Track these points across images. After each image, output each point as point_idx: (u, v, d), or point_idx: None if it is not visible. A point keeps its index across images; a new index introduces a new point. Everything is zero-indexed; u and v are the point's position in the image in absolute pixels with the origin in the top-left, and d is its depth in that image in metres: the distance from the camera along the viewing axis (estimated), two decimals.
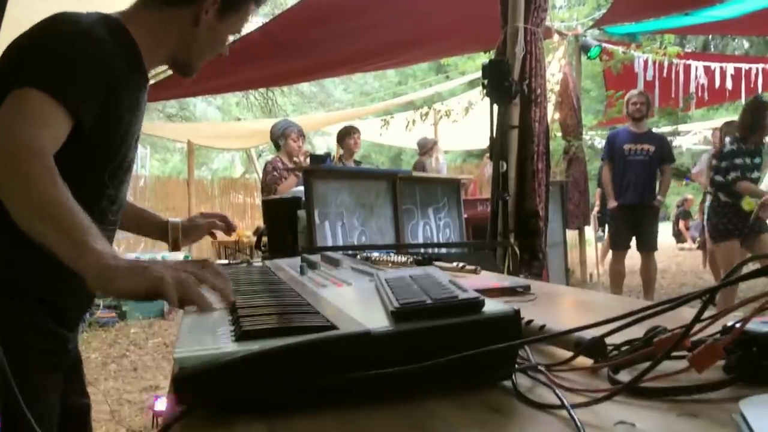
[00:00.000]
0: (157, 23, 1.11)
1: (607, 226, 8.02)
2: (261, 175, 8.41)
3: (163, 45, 1.14)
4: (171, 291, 0.74)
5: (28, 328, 1.00)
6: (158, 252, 6.95)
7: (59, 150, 0.91)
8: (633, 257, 5.61)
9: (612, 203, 5.30)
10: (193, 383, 0.51)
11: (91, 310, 1.33)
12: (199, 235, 1.45)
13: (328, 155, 4.81)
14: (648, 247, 5.24)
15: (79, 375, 1.26)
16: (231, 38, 1.21)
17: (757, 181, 4.56)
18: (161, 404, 2.79)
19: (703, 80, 7.44)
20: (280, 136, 4.81)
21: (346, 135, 5.60)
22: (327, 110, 15.22)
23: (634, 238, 5.32)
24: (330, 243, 3.00)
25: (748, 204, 4.41)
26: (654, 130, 6.03)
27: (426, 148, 7.19)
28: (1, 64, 0.99)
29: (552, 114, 6.14)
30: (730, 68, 7.51)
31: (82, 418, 1.25)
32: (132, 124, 1.12)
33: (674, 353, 0.54)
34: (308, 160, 4.83)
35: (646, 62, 7.03)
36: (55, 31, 0.98)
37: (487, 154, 6.34)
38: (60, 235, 0.80)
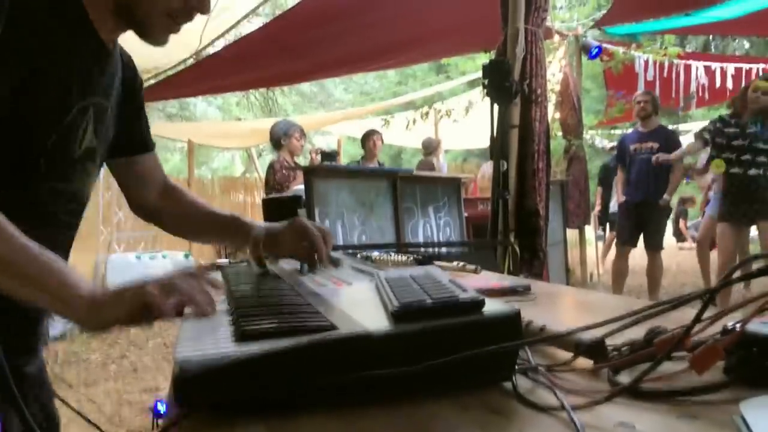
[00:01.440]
0: None
1: (609, 224, 8.04)
2: (262, 174, 8.42)
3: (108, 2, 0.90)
4: (158, 299, 0.71)
5: None
6: (158, 252, 6.95)
7: None
8: (635, 257, 5.61)
9: (620, 198, 5.41)
10: (194, 384, 0.51)
11: (43, 330, 0.98)
12: (287, 251, 1.12)
13: (336, 152, 4.94)
14: (655, 246, 5.28)
15: (42, 403, 1.07)
16: None
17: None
18: (161, 405, 2.79)
19: (704, 80, 7.45)
20: (282, 136, 4.89)
21: (366, 138, 5.77)
22: (327, 110, 15.23)
23: (641, 238, 5.34)
24: None
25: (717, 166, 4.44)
26: None
27: (431, 147, 7.23)
28: None
29: (552, 113, 6.15)
30: (730, 68, 7.51)
31: None
32: (70, 97, 0.89)
33: (674, 354, 0.54)
34: (319, 157, 4.99)
35: (646, 62, 7.03)
36: None
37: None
38: (30, 287, 0.73)
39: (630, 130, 5.85)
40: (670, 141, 5.35)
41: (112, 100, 1.00)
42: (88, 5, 0.89)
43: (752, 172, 4.37)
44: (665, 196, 5.25)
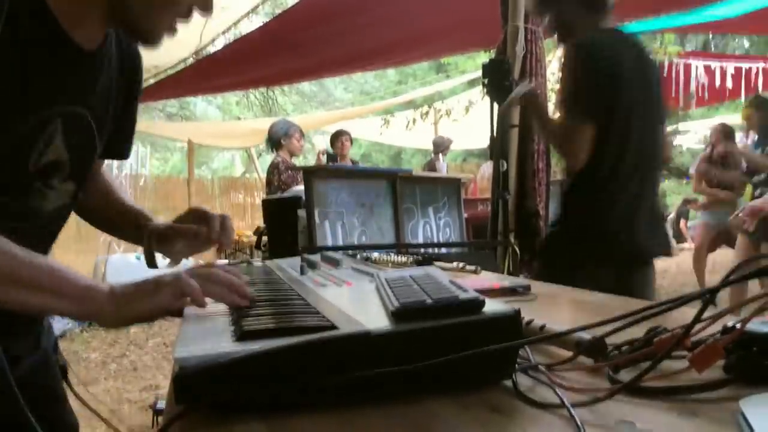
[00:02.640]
0: None
1: None
2: (262, 174, 8.42)
3: (92, 2, 0.84)
4: (195, 287, 0.71)
5: None
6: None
7: None
8: None
9: None
10: (193, 383, 0.51)
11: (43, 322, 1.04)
12: (179, 245, 1.07)
13: (336, 153, 5.05)
14: None
15: (55, 396, 1.07)
16: None
17: None
18: (161, 404, 2.80)
19: (704, 79, 7.45)
20: (283, 136, 4.93)
21: (335, 139, 5.81)
22: (327, 109, 15.23)
23: None
24: (330, 242, 3.00)
25: None
26: None
27: (442, 147, 7.23)
28: None
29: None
30: (730, 67, 7.51)
31: None
32: (26, 107, 0.82)
33: (674, 353, 0.54)
34: (324, 157, 5.09)
35: None
36: None
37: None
38: (48, 295, 0.71)
39: None
40: None
41: (97, 104, 0.92)
42: (57, 10, 0.80)
43: None
44: None
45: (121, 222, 1.13)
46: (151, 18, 0.85)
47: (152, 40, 0.87)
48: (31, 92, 0.81)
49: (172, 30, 0.87)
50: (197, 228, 1.04)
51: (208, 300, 0.75)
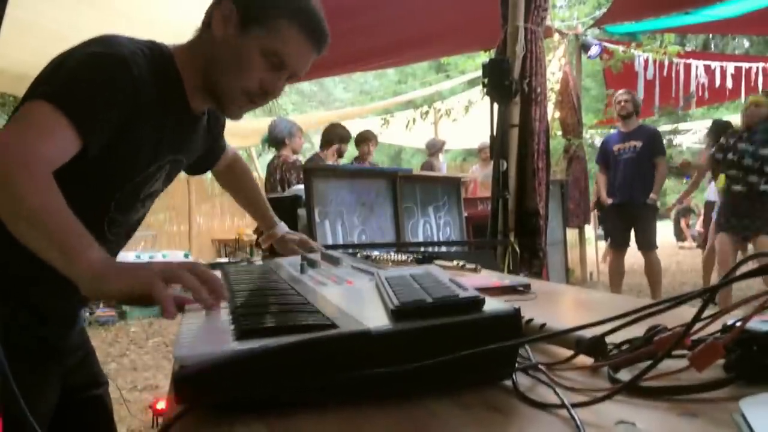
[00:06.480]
0: (194, 49, 1.09)
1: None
2: (262, 173, 8.40)
3: (196, 70, 1.09)
4: (160, 289, 0.73)
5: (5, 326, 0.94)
6: (158, 251, 6.96)
7: (64, 166, 0.89)
8: (635, 256, 5.60)
9: (606, 201, 5.33)
10: (194, 382, 0.51)
11: (84, 307, 1.43)
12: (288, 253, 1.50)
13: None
14: (647, 245, 5.24)
15: (88, 367, 1.27)
16: (267, 63, 1.06)
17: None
18: (161, 403, 2.79)
19: (704, 79, 7.45)
20: (287, 135, 4.97)
21: (361, 141, 5.88)
22: (327, 109, 15.23)
23: (633, 237, 5.33)
24: (330, 241, 3.00)
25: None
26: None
27: (435, 148, 7.26)
28: (39, 74, 0.98)
29: (552, 113, 6.14)
30: (730, 67, 7.52)
31: (99, 408, 1.27)
32: (156, 156, 1.08)
33: (674, 352, 0.54)
34: (335, 156, 5.20)
35: (646, 61, 7.04)
36: (85, 50, 0.96)
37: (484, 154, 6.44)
38: (51, 243, 0.79)
39: (612, 132, 5.80)
40: (652, 138, 5.33)
41: (190, 152, 1.22)
42: (187, 79, 1.09)
43: (763, 188, 4.42)
44: (652, 195, 5.23)
45: (253, 206, 1.58)
46: (229, 80, 1.06)
47: (229, 110, 1.11)
48: (164, 143, 1.09)
49: (247, 104, 1.10)
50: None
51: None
